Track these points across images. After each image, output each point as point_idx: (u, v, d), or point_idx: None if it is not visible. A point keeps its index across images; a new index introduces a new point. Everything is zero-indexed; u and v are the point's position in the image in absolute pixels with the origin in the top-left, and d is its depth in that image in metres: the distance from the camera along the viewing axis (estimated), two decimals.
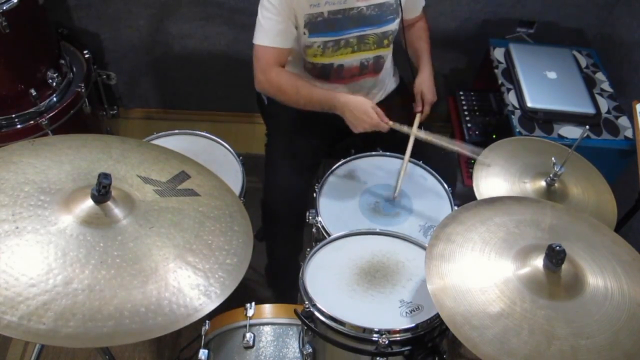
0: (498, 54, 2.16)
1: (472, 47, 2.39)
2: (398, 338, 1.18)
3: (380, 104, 1.80)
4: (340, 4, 1.54)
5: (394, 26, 1.64)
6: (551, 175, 1.38)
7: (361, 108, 1.50)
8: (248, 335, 1.34)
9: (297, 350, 1.36)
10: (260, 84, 1.61)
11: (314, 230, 1.53)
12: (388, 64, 1.77)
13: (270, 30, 1.54)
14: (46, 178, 1.07)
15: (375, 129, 1.51)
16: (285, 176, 1.69)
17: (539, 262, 1.06)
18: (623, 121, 1.94)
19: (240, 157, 1.67)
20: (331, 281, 1.30)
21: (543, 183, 1.39)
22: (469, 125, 2.10)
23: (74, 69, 2.14)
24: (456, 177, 1.83)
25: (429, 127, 1.66)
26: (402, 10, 1.62)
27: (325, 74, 1.68)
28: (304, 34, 1.57)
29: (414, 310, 1.23)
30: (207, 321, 1.41)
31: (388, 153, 1.68)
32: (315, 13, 1.54)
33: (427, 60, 1.75)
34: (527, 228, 1.16)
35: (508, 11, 2.28)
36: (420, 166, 1.65)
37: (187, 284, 1.00)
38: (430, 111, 1.71)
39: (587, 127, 1.42)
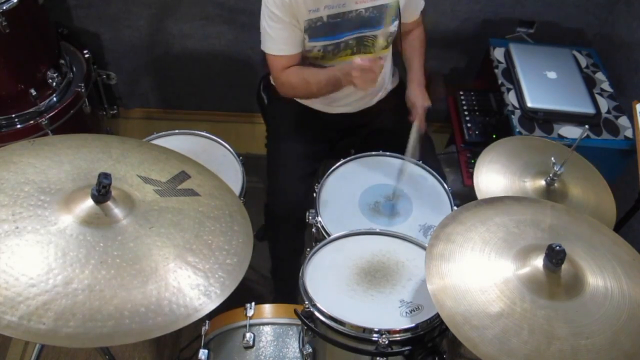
0: (498, 54, 2.16)
1: (472, 47, 2.39)
2: (398, 338, 1.18)
3: (380, 103, 1.81)
4: (339, 7, 1.55)
5: (392, 28, 1.64)
6: (551, 175, 1.38)
7: (350, 66, 1.48)
8: (248, 335, 1.34)
9: (297, 350, 1.36)
10: (279, 89, 1.68)
11: (314, 230, 1.53)
12: (387, 65, 1.77)
13: (278, 40, 1.57)
14: (46, 178, 1.07)
15: (374, 72, 1.46)
16: (287, 178, 1.70)
17: (539, 262, 1.06)
18: (623, 121, 1.94)
19: (240, 157, 1.66)
20: (331, 281, 1.30)
21: (543, 183, 1.39)
22: (469, 125, 2.10)
23: (74, 69, 2.14)
24: (456, 177, 1.83)
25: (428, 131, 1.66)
26: (400, 12, 1.62)
27: None
28: (304, 39, 1.58)
29: (414, 310, 1.23)
30: (207, 321, 1.41)
31: (388, 153, 1.68)
32: (315, 18, 1.54)
33: (417, 69, 1.74)
34: (527, 228, 1.16)
35: (508, 11, 2.28)
36: (420, 166, 1.64)
37: (187, 284, 1.00)
38: (425, 116, 1.68)
39: (587, 126, 1.42)
